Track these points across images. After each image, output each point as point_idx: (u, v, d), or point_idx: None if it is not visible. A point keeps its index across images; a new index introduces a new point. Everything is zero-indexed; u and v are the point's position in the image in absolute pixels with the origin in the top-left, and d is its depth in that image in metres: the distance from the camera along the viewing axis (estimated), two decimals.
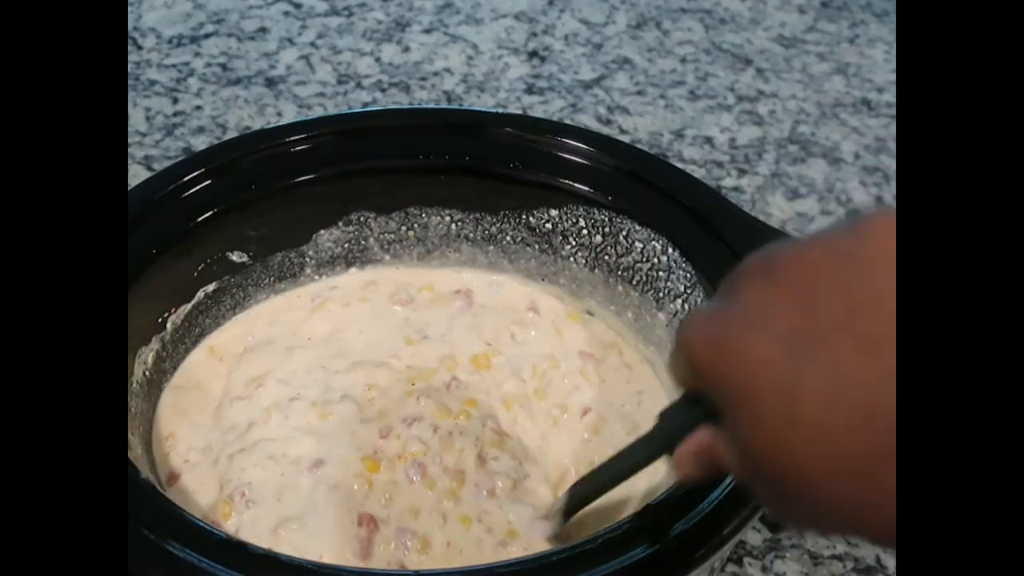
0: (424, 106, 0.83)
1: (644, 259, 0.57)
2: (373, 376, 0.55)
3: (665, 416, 0.40)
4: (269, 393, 0.55)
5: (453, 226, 0.61)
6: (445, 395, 0.54)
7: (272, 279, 0.60)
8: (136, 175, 0.73)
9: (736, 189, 0.77)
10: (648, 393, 0.55)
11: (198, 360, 0.57)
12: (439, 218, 0.61)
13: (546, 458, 0.52)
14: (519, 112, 0.83)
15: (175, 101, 0.82)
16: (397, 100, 0.85)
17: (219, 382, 0.56)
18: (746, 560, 0.53)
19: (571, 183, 0.59)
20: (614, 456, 0.45)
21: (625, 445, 0.44)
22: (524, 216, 0.60)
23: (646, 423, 0.52)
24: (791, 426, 0.30)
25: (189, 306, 0.56)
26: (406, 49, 0.91)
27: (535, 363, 0.57)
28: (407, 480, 0.50)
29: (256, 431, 0.53)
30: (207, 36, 0.91)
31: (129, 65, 0.86)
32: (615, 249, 0.58)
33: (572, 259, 0.60)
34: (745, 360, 0.31)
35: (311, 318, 0.59)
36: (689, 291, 0.55)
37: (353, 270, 0.62)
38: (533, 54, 0.91)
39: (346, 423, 0.53)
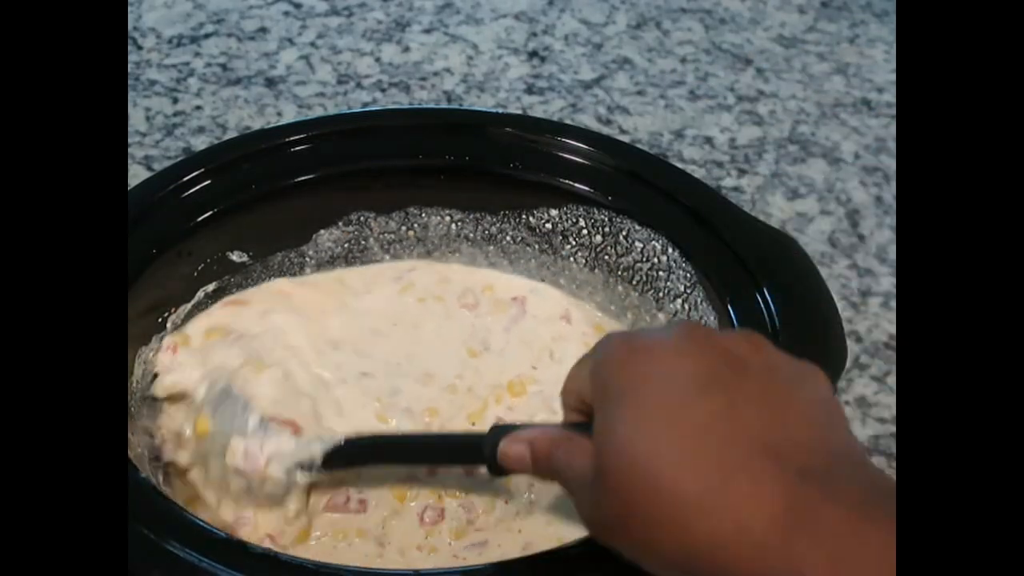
0: (424, 106, 0.83)
1: (644, 259, 0.57)
2: (438, 400, 0.55)
3: (496, 428, 0.42)
4: (344, 358, 0.55)
5: (453, 226, 0.61)
6: None
7: (273, 278, 0.60)
8: (136, 175, 0.73)
9: (736, 189, 0.77)
10: None
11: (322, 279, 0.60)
12: (439, 218, 0.61)
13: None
14: (519, 112, 0.83)
15: (175, 101, 0.82)
16: (397, 100, 0.85)
17: (322, 316, 0.57)
18: None
19: (571, 183, 0.59)
20: (424, 436, 0.49)
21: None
22: (524, 216, 0.60)
23: None
24: (671, 423, 0.33)
25: (189, 306, 0.56)
26: (406, 49, 0.91)
27: None
28: (416, 519, 0.50)
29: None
30: (207, 36, 0.91)
31: (129, 65, 0.86)
32: (615, 249, 0.58)
33: (572, 259, 0.60)
34: (661, 367, 0.34)
35: (398, 300, 0.60)
36: (689, 291, 0.55)
37: (418, 259, 0.62)
38: (533, 54, 0.91)
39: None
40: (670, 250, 0.56)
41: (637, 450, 0.33)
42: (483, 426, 0.53)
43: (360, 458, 0.49)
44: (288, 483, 0.49)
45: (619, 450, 0.33)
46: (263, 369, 0.52)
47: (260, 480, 0.48)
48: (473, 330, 0.59)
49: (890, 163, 0.80)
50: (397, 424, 0.53)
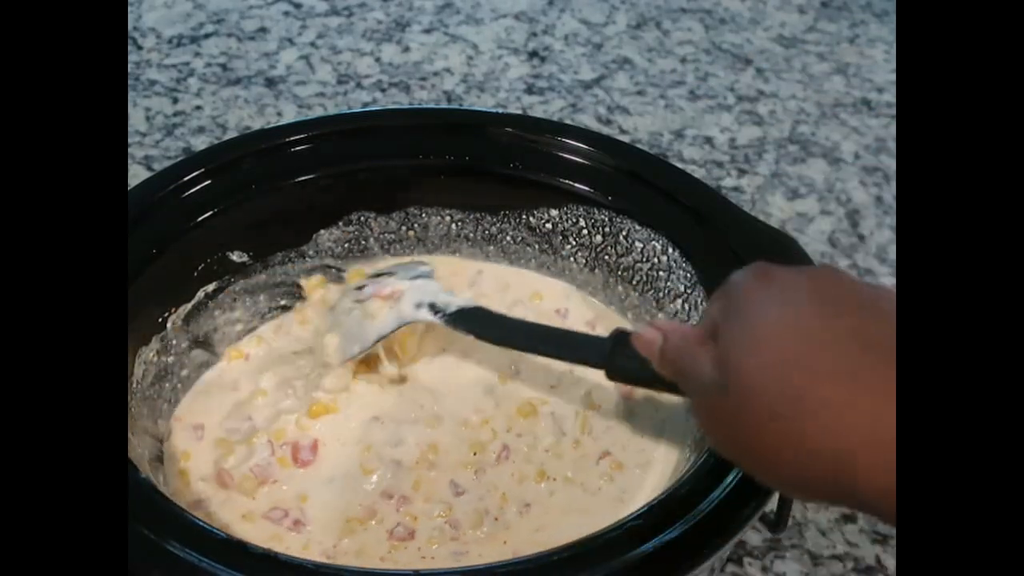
0: (424, 106, 0.83)
1: (644, 259, 0.57)
2: (444, 439, 0.54)
3: (619, 329, 0.46)
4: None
5: (453, 226, 0.61)
6: (494, 472, 0.52)
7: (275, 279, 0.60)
8: (136, 175, 0.73)
9: (736, 189, 0.77)
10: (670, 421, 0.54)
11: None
12: (439, 218, 0.61)
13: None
14: (519, 112, 0.83)
15: (175, 101, 0.82)
16: (397, 100, 0.85)
17: None
18: (746, 560, 0.53)
19: (571, 183, 0.59)
20: (547, 328, 0.52)
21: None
22: (524, 216, 0.60)
23: (661, 460, 0.53)
24: (803, 336, 0.34)
25: (189, 306, 0.56)
26: (406, 49, 0.91)
27: (578, 409, 0.55)
28: (385, 534, 0.49)
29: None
30: (207, 36, 0.91)
31: (129, 65, 0.86)
32: (615, 249, 0.58)
33: (572, 259, 0.60)
34: (793, 286, 0.36)
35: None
36: (689, 291, 0.55)
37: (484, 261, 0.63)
38: (533, 54, 0.91)
39: (369, 485, 0.51)
40: (670, 250, 0.56)
41: (769, 359, 0.33)
42: (484, 456, 0.53)
43: (486, 330, 0.52)
44: (401, 319, 0.53)
45: (748, 362, 0.34)
46: None
47: (369, 310, 0.54)
48: (510, 353, 0.56)
49: (890, 163, 0.80)
50: (375, 480, 0.52)
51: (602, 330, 0.59)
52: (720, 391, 0.35)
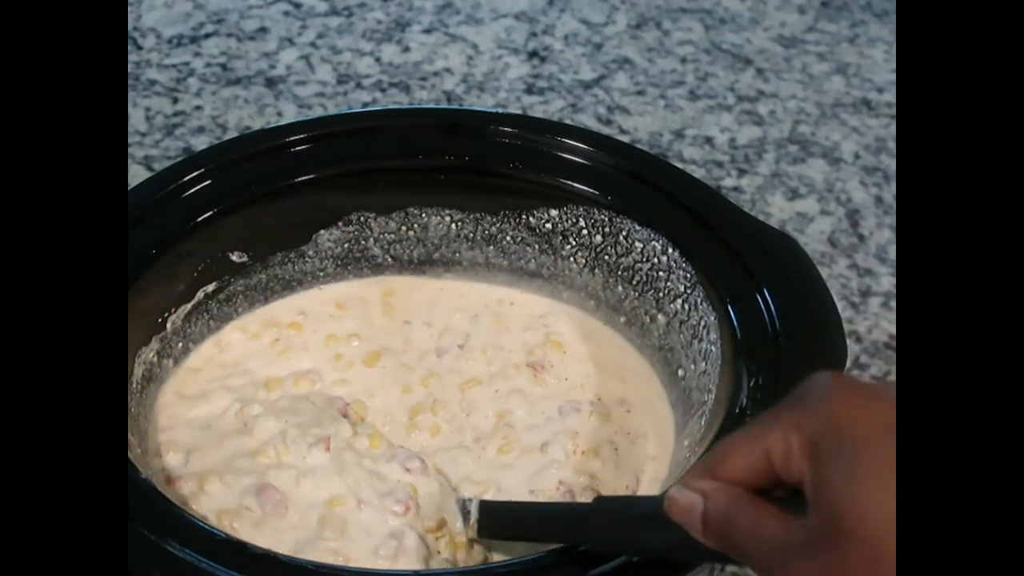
0: (424, 106, 0.83)
1: (644, 259, 0.57)
2: None
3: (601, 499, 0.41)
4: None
5: (453, 226, 0.61)
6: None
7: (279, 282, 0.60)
8: (136, 175, 0.73)
9: (736, 189, 0.77)
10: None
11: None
12: (439, 218, 0.61)
13: None
14: (519, 112, 0.83)
15: (175, 101, 0.82)
16: (397, 100, 0.85)
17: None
18: None
19: (571, 183, 0.59)
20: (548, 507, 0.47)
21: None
22: (524, 216, 0.60)
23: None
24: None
25: (189, 306, 0.56)
26: (406, 49, 0.91)
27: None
28: None
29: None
30: (207, 36, 0.91)
31: (129, 65, 0.86)
32: (615, 249, 0.58)
33: (572, 259, 0.60)
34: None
35: None
36: (689, 291, 0.55)
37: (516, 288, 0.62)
38: (533, 54, 0.91)
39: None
40: (670, 250, 0.56)
41: (888, 515, 0.28)
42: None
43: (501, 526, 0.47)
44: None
45: (884, 509, 0.29)
46: None
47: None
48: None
49: (890, 163, 0.80)
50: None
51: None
52: (814, 551, 0.30)
